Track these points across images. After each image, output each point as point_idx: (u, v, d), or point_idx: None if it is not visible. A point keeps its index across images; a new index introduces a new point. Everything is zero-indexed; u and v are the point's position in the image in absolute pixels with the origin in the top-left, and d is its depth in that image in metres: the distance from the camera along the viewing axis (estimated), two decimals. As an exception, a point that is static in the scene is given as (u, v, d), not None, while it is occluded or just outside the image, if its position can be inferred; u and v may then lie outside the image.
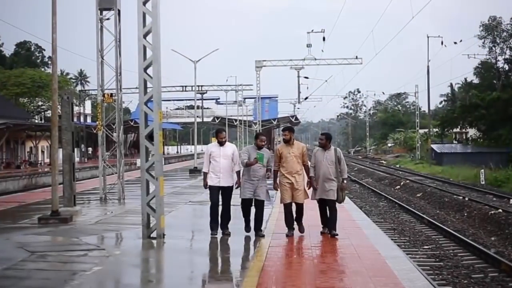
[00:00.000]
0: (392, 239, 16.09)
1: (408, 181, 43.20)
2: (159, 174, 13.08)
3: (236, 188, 13.52)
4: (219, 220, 13.48)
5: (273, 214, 16.77)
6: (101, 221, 16.58)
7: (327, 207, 13.47)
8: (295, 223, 13.58)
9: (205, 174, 13.61)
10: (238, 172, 13.50)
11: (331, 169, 13.30)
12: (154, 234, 13.05)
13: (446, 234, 20.10)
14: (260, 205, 13.29)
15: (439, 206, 29.29)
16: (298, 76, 67.94)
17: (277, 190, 13.73)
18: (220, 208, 13.47)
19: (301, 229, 13.62)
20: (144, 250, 12.40)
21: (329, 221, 13.47)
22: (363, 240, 13.09)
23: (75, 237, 13.65)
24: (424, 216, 24.51)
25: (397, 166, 72.69)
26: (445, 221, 23.97)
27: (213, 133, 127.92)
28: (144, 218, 13.13)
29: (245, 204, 13.44)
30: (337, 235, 13.20)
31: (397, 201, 31.22)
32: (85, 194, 25.64)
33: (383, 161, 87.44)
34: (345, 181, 13.53)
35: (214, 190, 13.37)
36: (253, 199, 13.26)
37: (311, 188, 13.59)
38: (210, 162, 13.45)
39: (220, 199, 13.44)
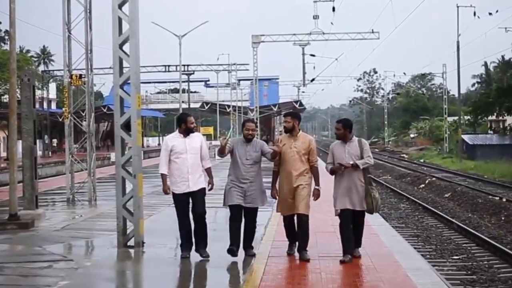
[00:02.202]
0: (415, 248, 16.12)
1: (434, 178, 43.21)
2: (137, 170, 13.07)
3: (209, 190, 12.12)
4: (193, 238, 12.12)
5: (273, 217, 16.75)
6: (68, 227, 16.58)
7: (354, 221, 11.91)
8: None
9: (164, 176, 11.99)
10: (209, 170, 12.21)
11: (356, 170, 11.75)
12: (131, 242, 13.06)
13: (479, 241, 20.10)
14: (252, 214, 12.01)
15: (472, 208, 29.30)
16: (303, 54, 67.93)
17: (275, 197, 12.25)
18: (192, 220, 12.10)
19: (304, 257, 11.87)
20: (119, 261, 12.42)
21: (355, 238, 12.05)
22: (380, 248, 13.11)
23: (37, 246, 13.66)
24: (454, 220, 24.53)
25: (421, 161, 72.71)
26: (479, 226, 23.99)
27: (202, 121, 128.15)
28: (119, 223, 13.14)
29: (234, 214, 11.84)
30: (360, 256, 12.03)
31: (421, 202, 31.23)
32: (49, 194, 25.66)
33: (404, 155, 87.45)
34: (370, 160, 11.84)
35: (182, 201, 11.99)
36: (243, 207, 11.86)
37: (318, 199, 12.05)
38: (170, 160, 11.93)
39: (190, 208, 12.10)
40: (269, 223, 16.15)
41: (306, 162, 11.94)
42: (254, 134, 12.06)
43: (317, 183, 11.99)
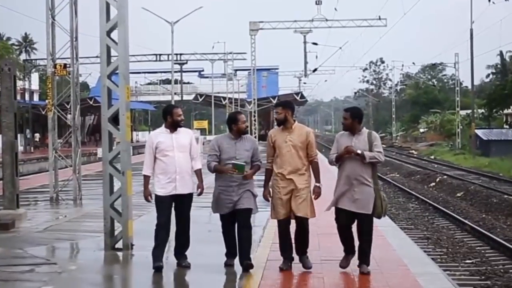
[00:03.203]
0: (425, 251, 16.12)
1: (445, 176, 43.24)
2: (126, 167, 13.06)
3: (199, 195, 11.59)
4: (168, 244, 11.73)
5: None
6: (51, 228, 16.58)
7: (358, 226, 11.24)
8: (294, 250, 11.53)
9: (147, 178, 11.56)
10: (199, 172, 11.64)
11: (363, 166, 11.01)
12: (119, 245, 13.06)
13: (494, 244, 20.12)
14: (245, 219, 11.35)
15: (486, 208, 29.31)
16: (305, 42, 68.15)
17: (268, 200, 11.50)
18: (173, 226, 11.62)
19: (306, 264, 11.46)
20: (106, 264, 12.42)
21: (359, 249, 11.31)
22: (387, 252, 13.12)
23: (18, 248, 13.65)
24: (466, 221, 24.54)
25: (432, 157, 72.74)
26: (493, 228, 23.99)
27: (196, 114, 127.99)
28: (106, 224, 13.13)
29: (225, 223, 11.56)
30: (369, 272, 11.13)
31: (431, 202, 31.25)
32: (31, 192, 25.71)
33: (413, 151, 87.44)
34: (380, 156, 11.06)
35: (165, 203, 11.40)
36: (236, 211, 11.32)
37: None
38: (155, 159, 11.44)
39: (174, 214, 11.59)
40: (268, 224, 16.14)
41: (305, 157, 11.26)
42: (246, 128, 11.55)
43: (317, 180, 11.35)
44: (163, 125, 11.60)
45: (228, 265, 11.54)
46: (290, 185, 11.15)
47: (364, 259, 11.17)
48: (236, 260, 11.50)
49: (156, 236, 11.47)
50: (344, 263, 11.34)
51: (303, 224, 11.30)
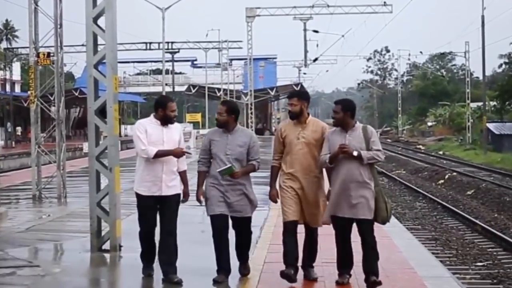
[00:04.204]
0: (433, 253, 16.13)
1: (455, 173, 43.27)
2: (114, 163, 13.05)
3: (183, 201, 10.97)
4: (157, 252, 11.10)
5: (270, 218, 16.75)
6: (34, 228, 16.56)
7: (360, 235, 10.55)
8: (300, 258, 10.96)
9: (160, 151, 10.62)
10: (184, 174, 11.09)
11: (361, 166, 10.29)
12: (106, 246, 13.05)
13: (507, 246, 20.15)
14: (244, 227, 10.88)
15: (498, 208, 29.33)
16: (305, 30, 68.02)
17: (275, 201, 10.82)
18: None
19: (311, 275, 11.03)
20: (93, 267, 12.42)
21: (365, 260, 10.56)
22: (393, 253, 13.13)
23: (-2, 250, 13.65)
24: (477, 221, 24.56)
25: (440, 153, 72.84)
26: (506, 228, 24.03)
27: (188, 107, 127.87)
28: (93, 223, 13.11)
29: (217, 226, 10.74)
30: (380, 283, 10.47)
31: (440, 200, 31.28)
32: (12, 190, 25.72)
33: (420, 146, 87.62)
34: (380, 155, 10.33)
35: (149, 206, 10.86)
36: (231, 217, 10.77)
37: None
38: None
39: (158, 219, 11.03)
40: (266, 224, 16.13)
41: (318, 157, 10.50)
42: (223, 119, 10.57)
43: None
44: (152, 115, 10.95)
45: (217, 282, 10.72)
46: (301, 185, 10.55)
47: (373, 267, 10.53)
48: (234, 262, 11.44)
49: (142, 244, 11.18)
50: (342, 279, 10.67)
51: (313, 233, 10.99)
